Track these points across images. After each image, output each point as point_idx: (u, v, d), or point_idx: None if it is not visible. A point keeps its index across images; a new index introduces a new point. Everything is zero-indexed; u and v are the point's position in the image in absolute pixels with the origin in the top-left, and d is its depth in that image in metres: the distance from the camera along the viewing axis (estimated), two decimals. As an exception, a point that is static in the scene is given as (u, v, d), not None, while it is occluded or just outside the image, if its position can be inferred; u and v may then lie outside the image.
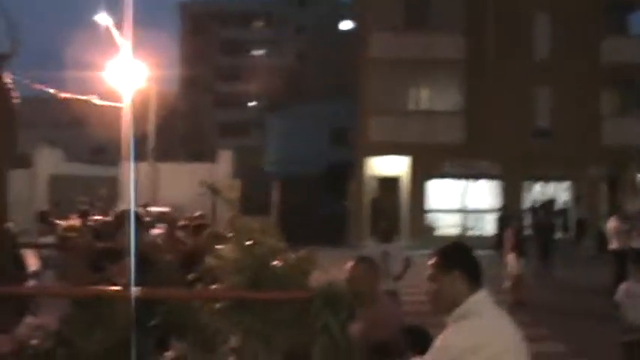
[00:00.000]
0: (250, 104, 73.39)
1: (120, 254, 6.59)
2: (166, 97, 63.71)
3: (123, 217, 7.08)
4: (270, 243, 4.96)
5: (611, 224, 17.96)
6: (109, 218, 9.83)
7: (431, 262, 4.07)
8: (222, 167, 35.85)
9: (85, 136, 59.28)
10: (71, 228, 10.22)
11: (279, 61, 68.50)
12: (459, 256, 4.07)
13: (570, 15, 34.53)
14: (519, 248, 18.22)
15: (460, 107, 34.92)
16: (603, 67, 34.38)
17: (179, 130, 69.38)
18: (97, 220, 10.99)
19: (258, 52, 75.32)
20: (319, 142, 48.09)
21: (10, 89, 6.39)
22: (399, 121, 34.69)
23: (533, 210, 33.49)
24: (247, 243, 5.11)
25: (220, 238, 9.36)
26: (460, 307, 3.90)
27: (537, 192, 35.51)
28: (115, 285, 6.32)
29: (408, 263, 12.77)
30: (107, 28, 28.99)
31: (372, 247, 13.54)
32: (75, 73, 31.65)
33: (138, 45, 31.68)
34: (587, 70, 34.13)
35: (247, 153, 47.82)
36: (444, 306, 3.97)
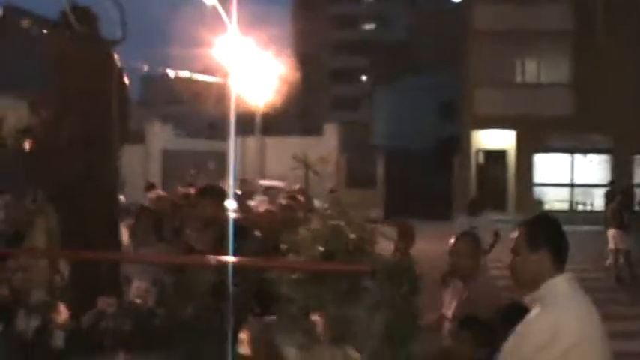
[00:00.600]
0: (362, 78, 73.52)
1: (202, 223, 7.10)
2: (278, 73, 64.55)
3: (205, 190, 7.43)
4: (350, 215, 5.28)
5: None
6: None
7: (516, 234, 3.89)
8: (329, 141, 36.26)
9: (198, 112, 60.69)
10: (158, 198, 10.86)
11: (389, 34, 68.33)
12: (548, 234, 3.84)
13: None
14: (621, 223, 17.93)
15: (568, 79, 34.22)
16: None
17: (292, 105, 70.11)
18: (186, 192, 11.50)
19: (369, 26, 75.31)
20: (428, 115, 47.96)
21: (121, 70, 6.93)
22: (506, 93, 34.27)
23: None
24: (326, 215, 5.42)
25: (296, 211, 9.76)
26: (541, 289, 3.75)
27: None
28: (194, 251, 6.87)
29: (497, 237, 12.87)
30: (213, 6, 29.84)
31: (460, 221, 13.70)
32: (185, 50, 32.54)
33: (249, 21, 32.40)
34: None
35: (355, 127, 48.13)
36: (525, 283, 3.84)
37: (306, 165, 31.36)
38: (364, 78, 72.91)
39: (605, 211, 24.29)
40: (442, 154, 37.25)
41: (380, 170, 35.10)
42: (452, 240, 6.03)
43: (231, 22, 26.18)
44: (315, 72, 72.04)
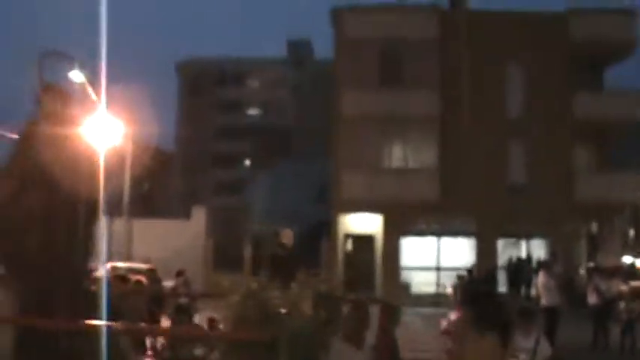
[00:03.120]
0: (245, 162, 73.69)
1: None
2: (163, 154, 64.09)
3: None
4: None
5: (540, 279, 17.64)
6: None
7: (453, 316, 3.10)
8: (196, 224, 35.78)
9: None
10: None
11: (272, 120, 68.90)
12: (495, 311, 3.12)
13: (543, 70, 34.55)
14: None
15: (434, 164, 34.79)
16: (577, 122, 34.20)
17: (176, 188, 69.60)
18: None
19: (253, 112, 75.89)
20: (303, 200, 47.95)
21: (91, 148, 7.37)
22: (373, 178, 34.57)
23: (509, 267, 33.19)
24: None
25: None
26: None
27: (512, 249, 35.10)
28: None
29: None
30: (82, 85, 29.40)
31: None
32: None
33: (133, 103, 32.07)
34: (560, 126, 34.04)
35: (228, 210, 47.80)
36: None
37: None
38: (247, 162, 73.04)
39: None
40: (312, 238, 37.08)
41: (247, 253, 34.67)
42: None
43: (100, 101, 25.82)
44: (201, 155, 71.92)
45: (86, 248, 7.10)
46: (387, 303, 9.46)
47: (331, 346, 6.34)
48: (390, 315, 8.66)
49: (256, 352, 5.57)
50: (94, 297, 7.15)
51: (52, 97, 6.80)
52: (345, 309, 6.69)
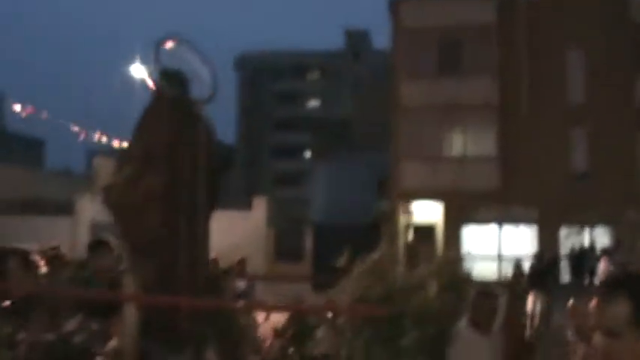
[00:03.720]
0: (305, 154, 73.98)
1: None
2: (225, 148, 64.60)
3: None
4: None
5: (602, 267, 17.44)
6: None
7: (609, 306, 2.50)
8: (257, 215, 36.04)
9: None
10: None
11: (331, 112, 68.97)
12: None
13: (605, 54, 33.98)
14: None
15: (494, 152, 34.54)
16: (639, 108, 33.62)
17: (238, 181, 70.21)
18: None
19: (312, 104, 76.06)
20: (364, 191, 47.94)
21: (210, 131, 7.27)
22: (432, 167, 34.46)
23: (571, 255, 32.75)
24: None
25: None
26: None
27: (575, 237, 34.63)
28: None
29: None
30: (142, 80, 29.92)
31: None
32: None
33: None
34: (623, 112, 33.47)
35: (289, 201, 48.05)
36: None
37: None
38: (307, 154, 73.32)
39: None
40: (373, 229, 37.09)
41: (308, 244, 34.87)
42: None
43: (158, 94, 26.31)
44: (259, 148, 72.44)
45: (205, 230, 7.20)
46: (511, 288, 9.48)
47: (456, 331, 6.31)
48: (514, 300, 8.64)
49: (381, 328, 5.42)
50: (214, 279, 7.25)
51: (170, 80, 6.89)
52: (472, 295, 6.59)
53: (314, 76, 76.27)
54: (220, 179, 7.60)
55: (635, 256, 32.40)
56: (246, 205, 37.80)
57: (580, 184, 33.40)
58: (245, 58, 75.79)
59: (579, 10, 34.17)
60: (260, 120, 72.37)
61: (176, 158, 6.73)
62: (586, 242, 34.25)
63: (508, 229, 34.89)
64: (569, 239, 34.40)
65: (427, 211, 35.00)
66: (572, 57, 34.71)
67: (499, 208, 34.09)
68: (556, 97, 34.16)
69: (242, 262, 21.51)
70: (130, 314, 6.60)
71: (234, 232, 33.42)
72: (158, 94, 6.92)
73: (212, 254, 25.13)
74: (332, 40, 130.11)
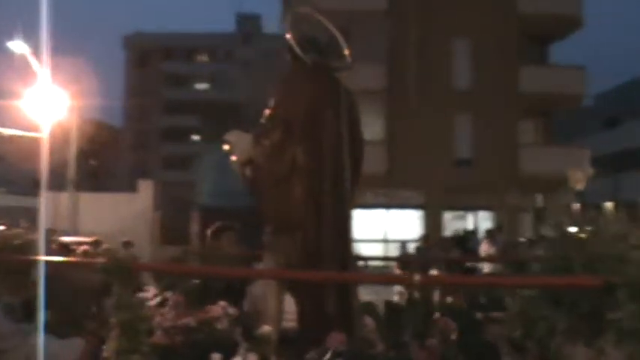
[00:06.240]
0: (194, 137, 73.26)
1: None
2: (111, 129, 63.33)
3: None
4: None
5: (483, 248, 17.86)
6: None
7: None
8: (143, 198, 35.40)
9: (21, 169, 58.60)
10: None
11: (221, 95, 68.47)
12: None
13: (490, 44, 34.74)
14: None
15: (381, 137, 34.86)
16: (523, 97, 34.54)
17: (125, 163, 68.96)
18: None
19: (201, 86, 75.30)
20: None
21: (351, 96, 7.51)
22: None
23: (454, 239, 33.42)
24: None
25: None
26: None
27: (459, 221, 35.43)
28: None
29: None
30: (23, 56, 28.84)
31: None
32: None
33: (78, 76, 31.60)
34: (507, 100, 34.32)
35: (176, 185, 47.50)
36: None
37: None
38: (196, 137, 72.63)
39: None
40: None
41: (194, 227, 34.48)
42: None
43: (43, 73, 25.46)
44: (146, 130, 71.27)
45: (350, 205, 6.91)
46: None
47: None
48: None
49: (582, 300, 4.62)
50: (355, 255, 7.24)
51: (310, 46, 6.84)
52: None
53: (204, 58, 75.49)
54: (363, 148, 7.15)
55: (515, 238, 33.44)
56: (133, 188, 37.15)
57: (464, 169, 34.12)
58: (134, 37, 74.19)
59: (469, 0, 34.82)
60: (149, 102, 71.13)
61: (320, 125, 6.56)
62: (470, 226, 35.06)
63: (394, 212, 35.34)
64: (454, 223, 35.15)
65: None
66: (459, 45, 35.36)
67: (386, 193, 34.45)
68: (442, 84, 34.75)
69: (127, 245, 21.10)
70: (273, 297, 6.40)
71: (119, 215, 32.87)
72: (297, 61, 6.83)
73: (94, 237, 24.44)
74: (225, 23, 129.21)
